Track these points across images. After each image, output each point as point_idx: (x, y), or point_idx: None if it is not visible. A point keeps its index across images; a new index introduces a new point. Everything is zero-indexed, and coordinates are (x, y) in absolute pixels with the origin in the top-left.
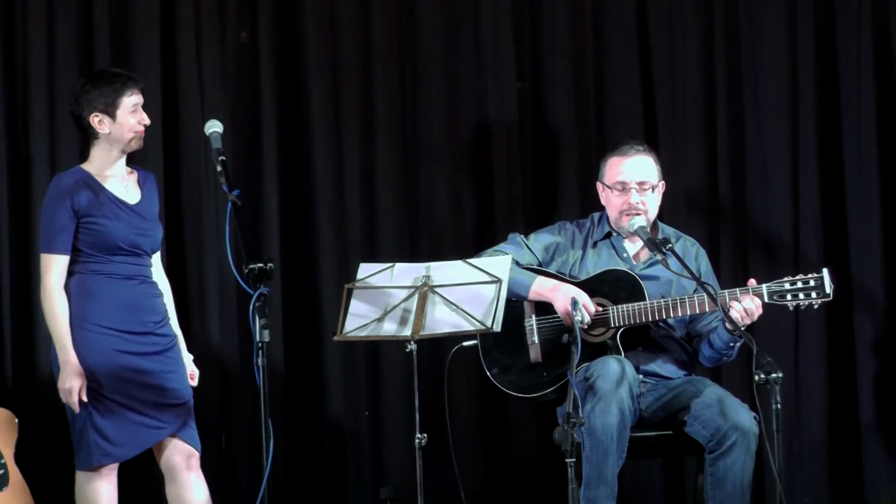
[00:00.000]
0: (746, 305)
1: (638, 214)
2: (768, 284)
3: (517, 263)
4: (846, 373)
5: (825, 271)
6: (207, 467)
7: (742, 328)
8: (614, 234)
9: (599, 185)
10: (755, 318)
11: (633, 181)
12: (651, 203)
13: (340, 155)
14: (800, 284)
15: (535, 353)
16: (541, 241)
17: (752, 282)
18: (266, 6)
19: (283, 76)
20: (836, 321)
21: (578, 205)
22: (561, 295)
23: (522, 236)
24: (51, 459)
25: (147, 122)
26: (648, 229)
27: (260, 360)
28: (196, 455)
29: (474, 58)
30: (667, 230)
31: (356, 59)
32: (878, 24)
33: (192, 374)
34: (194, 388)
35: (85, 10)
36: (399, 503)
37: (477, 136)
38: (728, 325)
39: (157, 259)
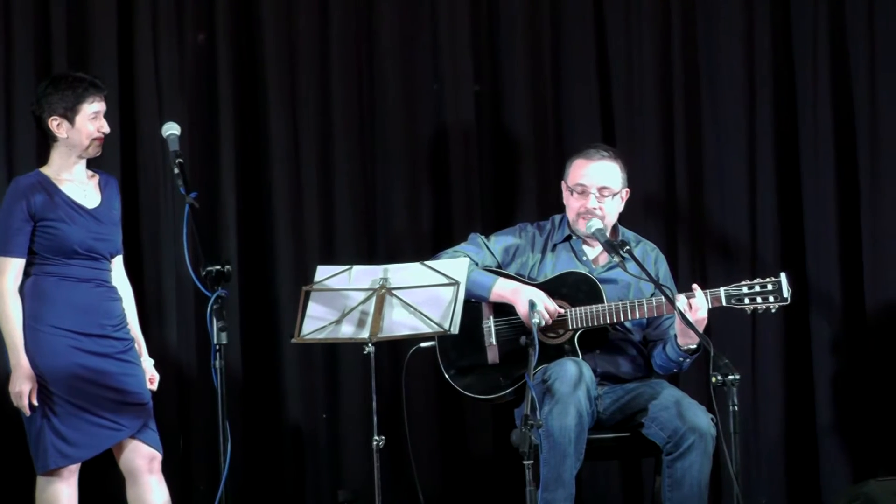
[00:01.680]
0: (693, 302)
1: (594, 218)
2: (726, 288)
3: (476, 264)
4: (803, 374)
5: (783, 276)
6: (165, 469)
7: (687, 321)
8: (574, 237)
9: (563, 185)
10: (697, 316)
11: (594, 185)
12: (609, 209)
13: (298, 157)
14: (757, 289)
15: (492, 355)
16: (501, 242)
17: (695, 287)
18: (223, 8)
19: (241, 78)
20: (793, 323)
21: (536, 208)
22: (522, 297)
23: (483, 237)
24: (12, 464)
25: (106, 130)
26: (606, 233)
27: (217, 363)
28: (158, 457)
29: (432, 61)
30: (627, 234)
31: (314, 61)
32: (835, 28)
33: (153, 378)
34: (153, 391)
35: (42, 12)
36: None
37: (434, 139)
38: (679, 341)
39: (118, 263)
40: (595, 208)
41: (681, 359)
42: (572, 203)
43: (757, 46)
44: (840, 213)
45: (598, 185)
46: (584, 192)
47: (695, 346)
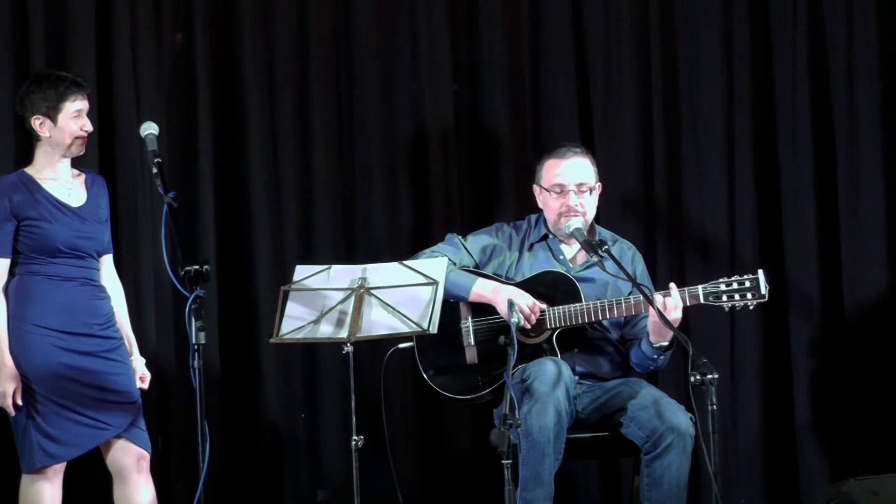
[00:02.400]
0: (667, 300)
1: (576, 216)
2: (704, 286)
3: (454, 264)
4: (781, 374)
5: (760, 272)
6: None
7: (666, 321)
8: (551, 236)
9: (536, 188)
10: (671, 314)
11: (572, 183)
12: (589, 205)
13: (276, 157)
14: (735, 286)
15: (471, 355)
16: (478, 242)
17: (672, 286)
18: (201, 8)
19: (219, 78)
20: (772, 322)
21: (515, 206)
22: (503, 297)
23: (460, 237)
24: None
25: (89, 128)
26: (585, 231)
27: (196, 363)
28: (146, 457)
29: (410, 60)
30: (604, 233)
31: (292, 60)
32: (813, 29)
33: (143, 377)
34: (144, 389)
35: (19, 12)
36: None
37: (413, 137)
38: (651, 338)
39: (108, 262)
40: (577, 205)
41: (654, 356)
42: (552, 204)
43: (736, 46)
44: (818, 213)
45: (575, 182)
46: (563, 192)
47: (667, 344)
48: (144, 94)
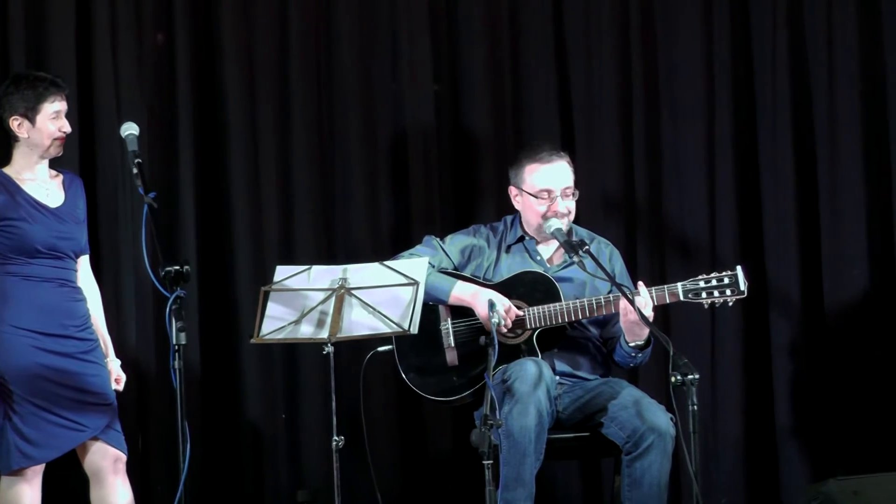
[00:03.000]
0: (637, 299)
1: (563, 219)
2: (683, 283)
3: (433, 267)
4: (762, 373)
5: (739, 269)
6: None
7: (645, 319)
8: (527, 238)
9: (514, 190)
10: (647, 310)
11: (558, 188)
12: (573, 207)
13: (257, 157)
14: (714, 282)
15: (451, 357)
16: (456, 243)
17: (640, 284)
18: (182, 8)
19: (200, 78)
20: (752, 322)
21: (495, 207)
22: (482, 300)
23: (438, 239)
24: None
25: (67, 129)
26: (564, 231)
27: (176, 363)
28: (123, 459)
29: (390, 59)
30: (580, 232)
31: (272, 61)
32: (793, 27)
33: (119, 378)
34: (117, 392)
35: None
36: None
37: (393, 138)
38: (625, 337)
39: (84, 263)
40: (564, 209)
41: (633, 353)
42: (536, 208)
43: (716, 46)
44: (799, 213)
45: (562, 187)
46: (550, 197)
47: (643, 343)
48: (125, 95)
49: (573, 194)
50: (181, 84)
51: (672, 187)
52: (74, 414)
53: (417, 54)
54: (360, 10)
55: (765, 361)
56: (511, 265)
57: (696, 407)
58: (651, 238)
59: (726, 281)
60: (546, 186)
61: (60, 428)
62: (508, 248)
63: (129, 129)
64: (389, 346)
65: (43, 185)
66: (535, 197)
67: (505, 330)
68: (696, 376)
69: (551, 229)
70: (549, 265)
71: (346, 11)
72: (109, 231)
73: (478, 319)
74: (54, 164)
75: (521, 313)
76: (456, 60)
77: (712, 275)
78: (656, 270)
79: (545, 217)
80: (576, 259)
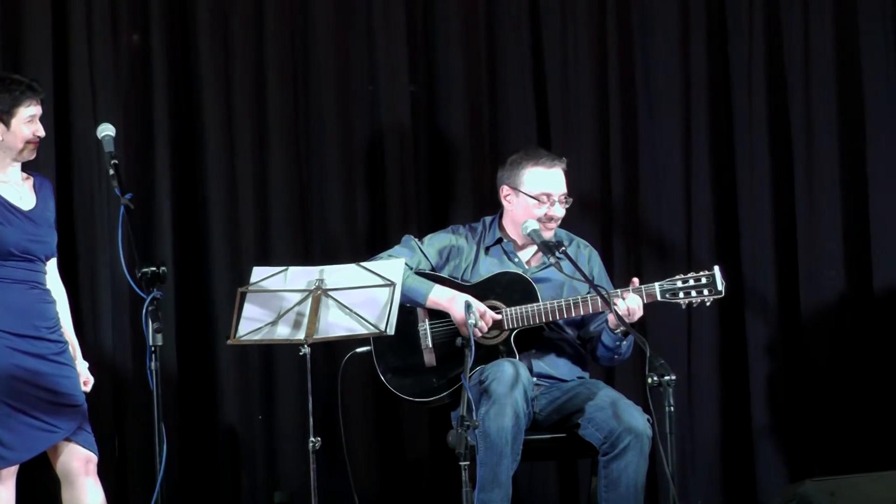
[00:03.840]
0: (629, 304)
1: (554, 227)
2: (661, 283)
3: (411, 269)
4: (738, 374)
5: (716, 269)
6: (100, 471)
7: (626, 323)
8: (505, 240)
9: (509, 189)
10: (636, 317)
11: (557, 193)
12: (563, 215)
13: (233, 158)
14: (692, 282)
15: (428, 358)
16: (434, 244)
17: (634, 281)
18: (158, 9)
19: (176, 79)
20: (729, 323)
21: (472, 208)
22: (458, 305)
23: (416, 240)
24: None
25: (42, 133)
26: (542, 232)
27: (153, 364)
28: (94, 460)
29: (367, 61)
30: (559, 233)
31: (248, 61)
32: (770, 28)
33: (87, 381)
34: (87, 393)
35: None
36: None
37: (370, 139)
38: (610, 324)
39: (52, 266)
40: (560, 216)
41: (617, 342)
42: (532, 210)
43: (692, 47)
44: (775, 214)
45: (560, 193)
46: (549, 200)
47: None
48: (101, 96)
49: (566, 202)
50: (157, 85)
51: (648, 188)
52: (47, 415)
53: (394, 56)
54: (336, 12)
55: (741, 362)
56: (489, 266)
57: (672, 408)
58: (627, 238)
59: (704, 281)
60: (546, 190)
61: (34, 429)
62: (487, 249)
63: (106, 131)
64: (367, 348)
65: (15, 187)
66: (535, 199)
67: (479, 333)
68: (673, 377)
69: (528, 231)
70: (527, 266)
71: (323, 12)
72: (86, 232)
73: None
74: (30, 164)
75: (498, 317)
76: (432, 62)
77: (690, 275)
78: (632, 271)
79: (541, 221)
80: (552, 260)
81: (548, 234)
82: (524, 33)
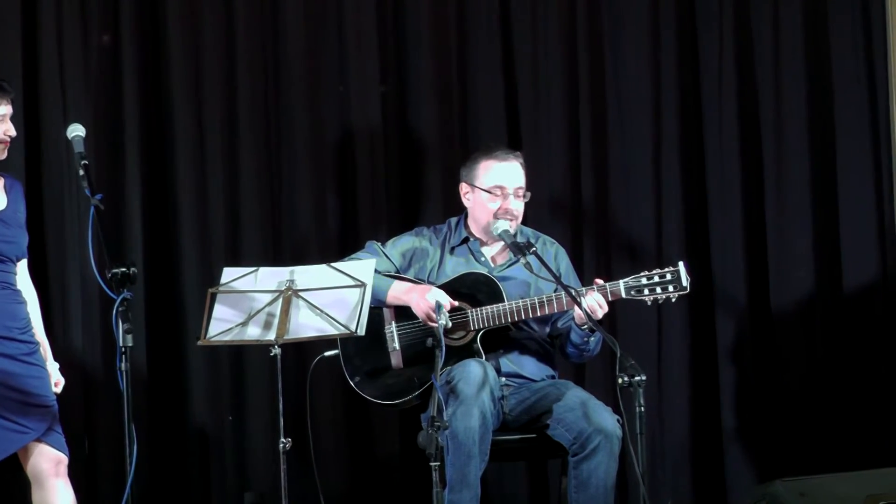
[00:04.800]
0: (589, 303)
1: (512, 219)
2: (625, 280)
3: (376, 271)
4: (708, 375)
5: (681, 264)
6: (70, 472)
7: (595, 322)
8: (472, 238)
9: (466, 186)
10: (599, 315)
11: (512, 187)
12: (523, 208)
13: (203, 159)
14: (656, 279)
15: (396, 360)
16: (398, 247)
17: (597, 282)
18: (128, 9)
19: (146, 79)
20: (699, 323)
21: (442, 209)
22: (416, 296)
23: (379, 244)
24: None
25: (13, 133)
26: (512, 231)
27: (123, 365)
28: (64, 461)
29: (337, 61)
30: (525, 231)
31: (219, 62)
32: (740, 27)
33: (57, 382)
34: (58, 394)
35: None
36: None
37: (340, 139)
38: (576, 320)
39: (23, 267)
40: (516, 209)
41: (585, 338)
42: (487, 205)
43: (663, 47)
44: (745, 214)
45: (515, 186)
46: (502, 194)
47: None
48: (71, 96)
49: (524, 196)
50: (127, 85)
51: (618, 188)
52: (18, 416)
53: (364, 56)
54: (306, 12)
55: (711, 362)
56: (455, 266)
57: (642, 408)
58: (597, 238)
59: (668, 277)
60: (499, 183)
61: (5, 430)
62: (452, 249)
63: (76, 131)
64: (336, 351)
65: None
66: (488, 193)
67: (449, 326)
68: (643, 378)
69: (498, 231)
70: (493, 265)
71: (293, 12)
72: (56, 233)
73: (421, 321)
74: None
75: (456, 303)
76: (403, 62)
77: (654, 271)
78: (602, 270)
79: (496, 216)
80: (522, 260)
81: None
82: (494, 34)
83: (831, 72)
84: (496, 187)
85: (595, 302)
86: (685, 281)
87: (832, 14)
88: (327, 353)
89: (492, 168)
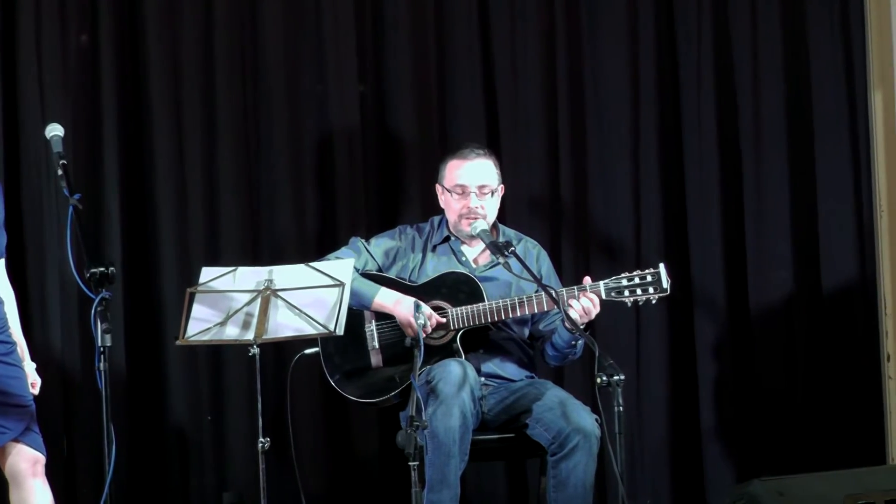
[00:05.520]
0: (584, 304)
1: (477, 218)
2: (605, 281)
3: (358, 270)
4: (687, 375)
5: (661, 266)
6: (49, 472)
7: (581, 326)
8: (453, 237)
9: (438, 188)
10: (592, 315)
11: (473, 185)
12: (490, 207)
13: (182, 159)
14: (637, 280)
15: (375, 359)
16: (381, 245)
17: (587, 279)
18: (106, 9)
19: (124, 79)
20: (678, 323)
21: (421, 208)
22: (403, 308)
23: (363, 241)
24: None
25: None
26: (489, 232)
27: (102, 365)
28: (42, 460)
29: (316, 61)
30: (508, 232)
31: (197, 61)
32: (718, 27)
33: (34, 382)
34: (36, 395)
35: None
36: None
37: (319, 139)
38: (567, 324)
39: (0, 267)
40: (477, 207)
41: (573, 342)
42: (453, 205)
43: (641, 45)
44: (724, 214)
45: (477, 184)
46: (464, 193)
47: (582, 326)
48: (49, 96)
49: (491, 193)
50: (106, 85)
51: (597, 188)
52: None
53: (343, 55)
54: (285, 11)
55: (690, 362)
56: (437, 266)
57: (621, 408)
58: (576, 237)
59: (649, 279)
60: (460, 182)
61: None
62: (434, 247)
63: (54, 131)
64: (316, 349)
65: None
66: (452, 192)
67: (423, 335)
68: (622, 377)
69: (476, 231)
70: (474, 265)
71: (271, 12)
72: (34, 232)
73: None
74: None
75: (442, 320)
76: (381, 61)
77: (635, 273)
78: (581, 270)
79: (461, 216)
80: (501, 260)
81: (466, 228)
82: (473, 33)
83: (809, 69)
84: (457, 186)
85: (589, 303)
86: (665, 283)
87: (810, 10)
88: (307, 351)
89: (454, 168)
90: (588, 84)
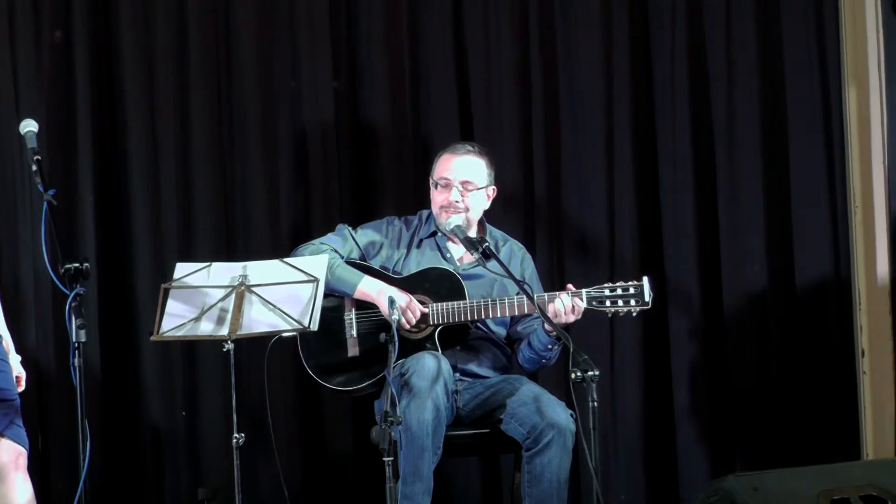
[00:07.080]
0: (557, 306)
1: (457, 213)
2: (588, 290)
3: (342, 257)
4: (661, 370)
5: (645, 280)
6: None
7: (558, 327)
8: (439, 233)
9: (431, 181)
10: (571, 319)
11: (457, 179)
12: (473, 204)
13: (156, 154)
14: (619, 291)
15: (353, 348)
16: (367, 233)
17: (570, 287)
18: (80, 5)
19: (98, 75)
20: (652, 319)
21: (395, 204)
22: (386, 297)
23: (350, 228)
24: None
25: None
26: (465, 228)
27: (76, 361)
28: (24, 454)
29: (290, 56)
30: (495, 233)
31: (171, 58)
32: (692, 24)
33: (19, 376)
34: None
35: None
36: (216, 503)
37: (293, 135)
38: (546, 326)
39: None
40: (457, 202)
41: (550, 345)
42: (436, 197)
43: (615, 44)
44: (698, 209)
45: (460, 179)
46: (447, 186)
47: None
48: (24, 92)
49: (475, 192)
50: (80, 81)
51: (571, 185)
52: None
53: (317, 51)
54: (258, 7)
55: (664, 358)
56: (421, 260)
57: (595, 403)
58: (550, 236)
59: (632, 291)
60: (444, 174)
61: None
62: (420, 242)
63: (28, 126)
64: (293, 333)
65: None
66: (436, 184)
67: (408, 326)
68: (597, 373)
69: (450, 226)
70: (459, 263)
71: (245, 9)
72: (8, 228)
73: (381, 311)
74: None
75: (425, 310)
76: (355, 57)
77: (618, 283)
78: (555, 268)
79: (441, 208)
80: (476, 256)
81: (443, 221)
82: (447, 28)
83: (783, 67)
84: (441, 179)
85: (571, 303)
86: (648, 297)
87: (784, 7)
88: (285, 334)
89: (443, 161)
90: (562, 80)
